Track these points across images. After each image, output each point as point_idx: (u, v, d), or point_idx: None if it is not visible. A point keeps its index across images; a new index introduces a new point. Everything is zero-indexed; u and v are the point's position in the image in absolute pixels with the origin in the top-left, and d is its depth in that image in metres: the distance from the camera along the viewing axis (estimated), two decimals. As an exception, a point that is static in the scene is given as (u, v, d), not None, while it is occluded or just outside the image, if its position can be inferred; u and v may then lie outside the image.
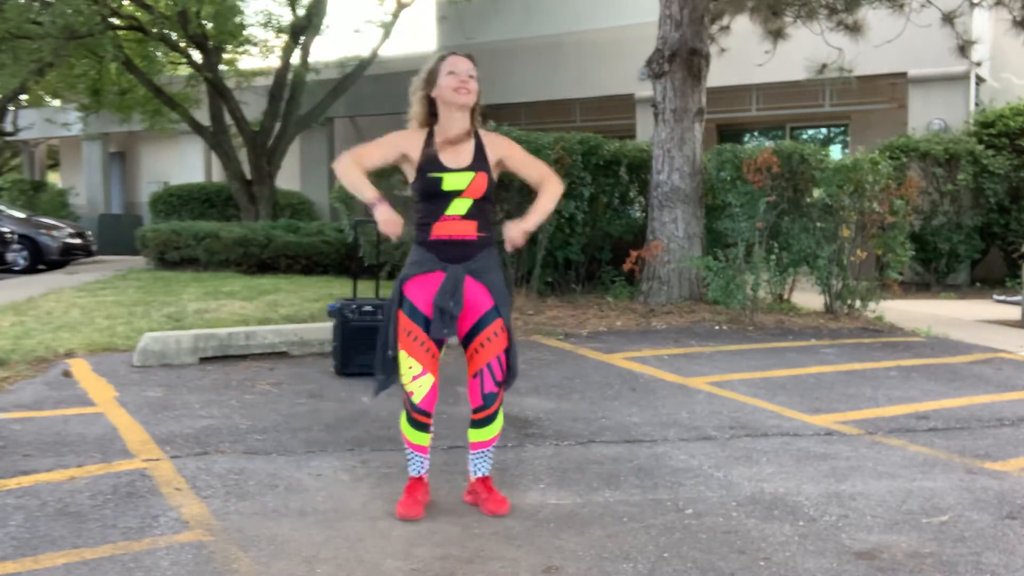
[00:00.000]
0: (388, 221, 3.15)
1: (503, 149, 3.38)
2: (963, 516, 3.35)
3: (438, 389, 3.31)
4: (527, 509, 3.39)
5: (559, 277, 9.54)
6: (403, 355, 3.26)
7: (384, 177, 9.94)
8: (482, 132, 3.38)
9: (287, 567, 2.85)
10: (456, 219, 3.25)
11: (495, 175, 3.36)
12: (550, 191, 3.40)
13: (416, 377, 3.24)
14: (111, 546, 2.99)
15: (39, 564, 2.84)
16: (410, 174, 3.32)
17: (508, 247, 3.33)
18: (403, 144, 3.32)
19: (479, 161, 3.29)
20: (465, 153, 3.29)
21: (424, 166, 3.26)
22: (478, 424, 3.37)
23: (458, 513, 3.35)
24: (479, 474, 3.43)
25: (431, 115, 3.34)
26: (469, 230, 3.26)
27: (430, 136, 3.32)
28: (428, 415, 3.30)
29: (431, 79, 3.32)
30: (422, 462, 3.38)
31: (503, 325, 3.30)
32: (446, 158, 3.27)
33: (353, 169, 3.28)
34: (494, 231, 3.40)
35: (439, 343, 3.29)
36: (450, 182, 3.24)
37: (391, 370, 3.35)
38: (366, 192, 3.21)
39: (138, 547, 2.98)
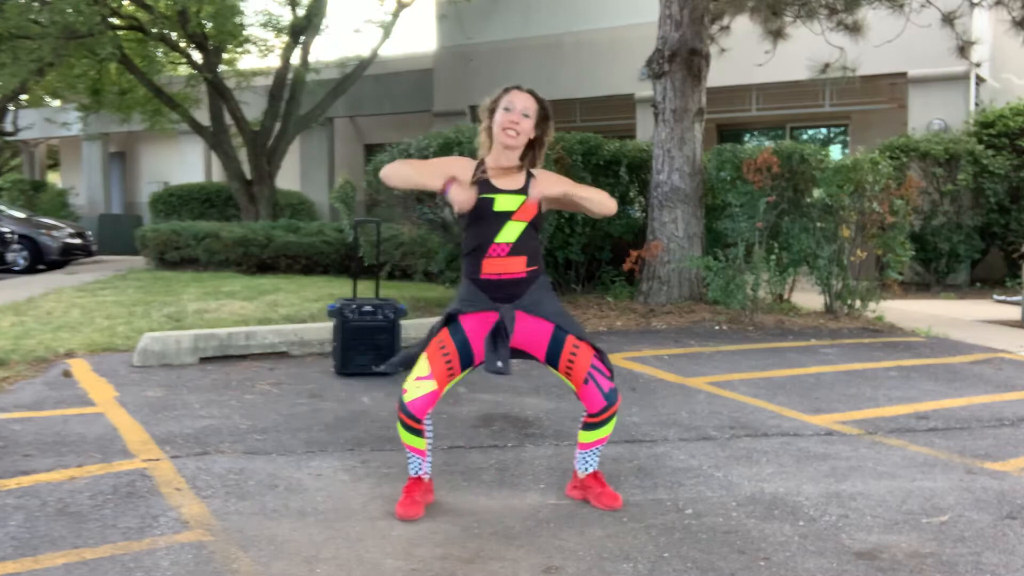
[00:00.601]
0: (460, 199, 3.16)
1: (549, 187, 3.30)
2: (963, 516, 3.35)
3: (435, 401, 3.26)
4: (527, 509, 3.39)
5: (559, 277, 9.54)
6: (422, 357, 3.25)
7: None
8: (534, 171, 3.36)
9: (287, 567, 2.85)
10: (504, 254, 3.22)
11: (544, 209, 3.34)
12: (600, 193, 3.38)
13: (420, 378, 3.22)
14: (111, 546, 2.99)
15: (39, 564, 2.84)
16: (464, 202, 3.24)
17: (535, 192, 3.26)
18: (455, 167, 3.30)
19: (528, 188, 3.29)
20: (516, 179, 3.30)
21: (476, 186, 3.24)
22: (596, 425, 3.33)
23: (458, 513, 3.35)
24: (590, 470, 3.45)
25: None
26: (518, 267, 3.25)
27: (481, 162, 3.32)
28: (418, 420, 3.23)
29: (492, 109, 3.32)
30: (420, 463, 3.36)
31: (577, 338, 3.28)
32: (497, 181, 3.27)
33: (405, 169, 3.28)
34: (543, 264, 3.39)
35: (464, 366, 3.26)
36: (501, 203, 3.23)
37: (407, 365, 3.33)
38: (434, 181, 3.22)
39: (138, 547, 2.98)
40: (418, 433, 3.28)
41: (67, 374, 5.68)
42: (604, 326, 7.69)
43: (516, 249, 3.24)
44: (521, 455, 4.10)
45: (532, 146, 3.36)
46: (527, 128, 3.30)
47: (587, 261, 9.62)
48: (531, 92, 3.35)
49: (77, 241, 16.64)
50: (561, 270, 9.54)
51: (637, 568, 2.86)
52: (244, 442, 4.25)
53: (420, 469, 3.37)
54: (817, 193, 8.19)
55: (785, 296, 8.86)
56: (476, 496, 3.54)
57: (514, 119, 3.26)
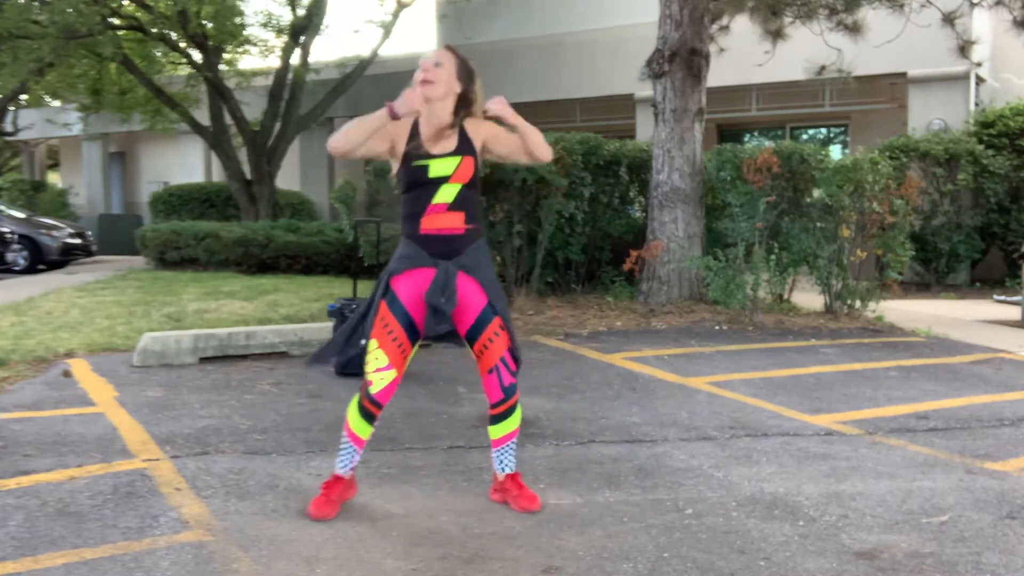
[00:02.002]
0: (406, 100, 3.12)
1: (484, 131, 3.36)
2: (963, 516, 3.35)
3: (397, 386, 3.26)
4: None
5: (559, 277, 9.54)
6: (372, 344, 3.23)
7: (384, 177, 9.95)
8: (466, 121, 3.34)
9: (287, 567, 2.85)
10: (442, 210, 3.23)
11: (481, 160, 3.34)
12: (537, 134, 3.35)
13: (380, 370, 3.21)
14: (111, 546, 2.99)
15: (39, 564, 2.84)
16: (395, 165, 3.31)
17: (489, 108, 3.25)
18: (392, 132, 3.28)
19: (464, 145, 3.29)
20: (449, 141, 3.29)
21: (409, 154, 3.26)
22: (499, 418, 3.35)
23: (458, 513, 3.35)
24: (507, 470, 3.42)
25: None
26: (456, 223, 3.25)
27: (415, 126, 3.31)
28: (380, 407, 3.25)
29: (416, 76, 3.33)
30: (353, 456, 3.32)
31: (501, 324, 3.29)
32: (430, 145, 3.26)
33: (348, 126, 3.20)
34: (482, 224, 3.38)
35: (412, 340, 3.25)
36: (436, 168, 3.23)
37: (353, 356, 3.31)
38: (373, 119, 3.16)
39: (138, 547, 2.98)
40: (372, 419, 3.28)
41: (67, 374, 5.68)
42: (604, 326, 7.69)
43: (454, 207, 3.25)
44: (521, 455, 4.09)
45: (462, 103, 3.32)
46: (443, 77, 3.27)
47: (587, 261, 9.62)
48: (447, 46, 3.37)
49: (77, 241, 16.63)
50: (561, 270, 9.53)
51: (637, 568, 2.86)
52: (244, 442, 4.25)
53: (350, 463, 3.34)
54: (817, 193, 8.19)
55: (785, 296, 8.86)
56: (476, 496, 3.54)
57: (425, 69, 3.26)
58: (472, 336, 3.29)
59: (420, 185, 3.24)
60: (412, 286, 3.23)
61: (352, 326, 3.37)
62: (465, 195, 3.27)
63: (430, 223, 3.24)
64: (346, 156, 3.26)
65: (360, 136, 3.19)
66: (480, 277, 3.28)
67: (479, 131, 3.35)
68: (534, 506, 3.35)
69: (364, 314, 3.34)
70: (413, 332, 3.25)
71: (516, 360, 3.34)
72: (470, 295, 3.26)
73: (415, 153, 3.25)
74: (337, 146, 3.21)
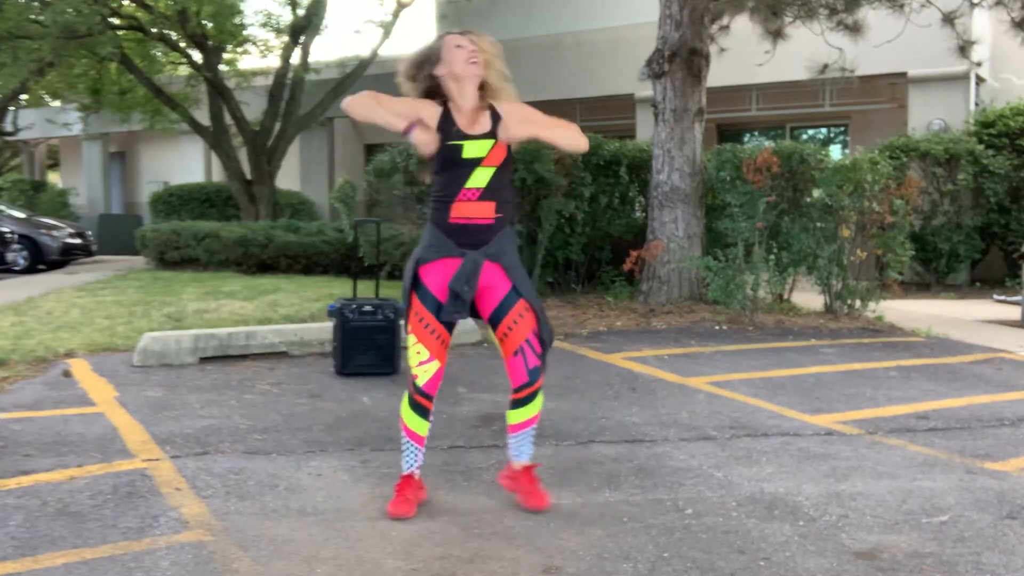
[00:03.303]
0: (423, 141, 3.15)
1: (520, 114, 3.33)
2: (963, 516, 3.35)
3: (442, 374, 3.31)
4: (527, 509, 3.39)
5: (559, 277, 9.54)
6: (412, 339, 3.27)
7: (384, 177, 9.96)
8: (499, 105, 3.34)
9: (287, 567, 2.85)
10: (474, 198, 3.22)
11: (514, 144, 3.32)
12: (569, 129, 3.36)
13: (423, 363, 3.25)
14: (111, 546, 2.99)
15: (39, 564, 2.84)
16: (426, 144, 3.25)
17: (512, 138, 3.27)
18: (423, 110, 3.27)
19: (498, 131, 3.27)
20: (483, 122, 3.27)
21: (444, 134, 3.23)
22: (521, 403, 3.32)
23: (458, 513, 3.35)
24: (523, 459, 3.40)
25: (430, 95, 3.31)
26: (487, 212, 3.24)
27: (447, 111, 3.29)
28: (430, 398, 3.29)
29: (432, 58, 3.29)
30: (416, 454, 3.35)
31: (527, 305, 3.28)
32: (465, 126, 3.25)
33: (371, 103, 3.22)
34: (512, 211, 3.38)
35: (449, 327, 3.28)
36: (470, 150, 3.22)
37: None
38: (396, 122, 3.18)
39: (138, 547, 2.98)
40: (426, 414, 3.31)
41: (67, 374, 5.68)
42: (604, 326, 7.69)
43: (486, 194, 3.24)
44: (521, 455, 4.09)
45: (482, 86, 3.32)
46: (484, 58, 3.28)
47: (587, 261, 9.62)
48: (473, 32, 3.36)
49: (77, 241, 16.63)
50: (561, 270, 9.54)
51: (637, 568, 2.86)
52: (244, 442, 4.25)
53: (415, 462, 3.35)
54: (817, 193, 8.18)
55: (785, 296, 8.86)
56: (476, 496, 3.54)
57: (471, 50, 3.25)
58: (496, 319, 3.28)
59: (454, 166, 3.22)
60: (440, 275, 3.24)
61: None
62: (498, 179, 3.26)
63: (460, 211, 3.23)
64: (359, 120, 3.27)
65: (371, 118, 3.23)
66: (505, 263, 3.28)
67: (513, 114, 3.33)
68: (543, 505, 3.35)
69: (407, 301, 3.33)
70: (448, 323, 3.28)
71: (543, 343, 3.31)
72: (494, 280, 3.27)
73: (451, 132, 3.23)
74: (354, 111, 3.23)
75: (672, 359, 6.40)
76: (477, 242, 3.24)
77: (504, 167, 3.28)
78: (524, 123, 3.32)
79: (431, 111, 3.28)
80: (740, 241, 7.84)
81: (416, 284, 3.28)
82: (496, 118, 3.30)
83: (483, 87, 3.32)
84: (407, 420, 3.33)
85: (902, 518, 3.32)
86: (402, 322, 5.94)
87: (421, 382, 3.26)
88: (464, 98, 3.28)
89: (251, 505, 3.40)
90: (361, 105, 3.23)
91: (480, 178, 3.23)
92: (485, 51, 3.28)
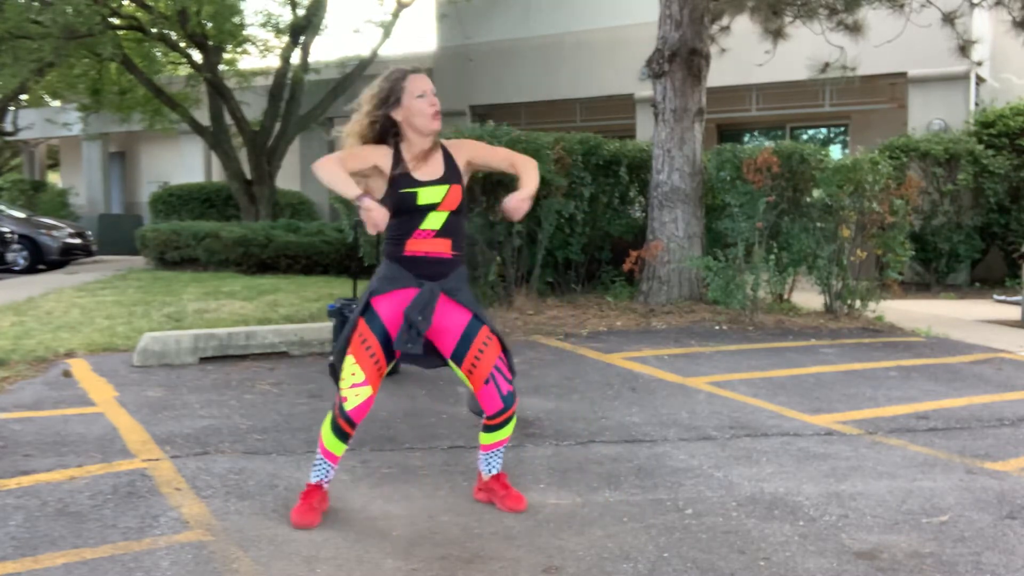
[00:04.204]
0: (372, 212, 3.01)
1: (467, 150, 3.35)
2: (963, 516, 3.35)
3: (372, 403, 3.21)
4: (527, 509, 3.39)
5: (559, 277, 9.53)
6: (349, 360, 3.17)
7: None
8: (446, 143, 3.33)
9: (287, 567, 2.85)
10: (430, 236, 3.19)
11: (466, 181, 3.31)
12: (528, 167, 3.34)
13: (355, 385, 3.15)
14: (111, 546, 2.99)
15: (39, 564, 2.84)
16: (380, 188, 3.20)
17: (514, 218, 3.25)
18: (376, 156, 3.22)
19: (451, 172, 3.25)
20: (436, 165, 3.24)
21: (397, 181, 3.18)
22: (496, 428, 3.30)
23: (458, 513, 3.35)
24: (494, 472, 3.41)
25: (383, 134, 3.25)
26: (444, 248, 3.21)
27: (397, 151, 3.24)
28: (353, 426, 3.19)
29: (392, 99, 3.22)
30: (329, 471, 3.29)
31: (489, 332, 3.25)
32: (418, 172, 3.21)
33: (337, 168, 3.12)
34: (465, 248, 3.34)
35: (389, 358, 3.20)
36: (425, 196, 3.18)
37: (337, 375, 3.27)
38: (348, 189, 3.07)
39: (138, 547, 2.98)
40: (345, 438, 3.22)
41: (67, 374, 5.68)
42: (604, 326, 7.69)
43: (442, 233, 3.22)
44: (521, 455, 4.10)
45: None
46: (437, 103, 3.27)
47: (587, 261, 9.62)
48: (421, 71, 3.33)
49: (77, 241, 16.63)
50: (561, 270, 9.53)
51: (637, 568, 2.86)
52: (244, 442, 4.25)
53: (327, 476, 3.29)
54: (817, 193, 8.18)
55: (785, 296, 8.86)
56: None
57: (434, 102, 3.23)
58: (460, 353, 3.22)
59: (409, 211, 3.19)
60: (393, 305, 3.18)
61: (338, 348, 3.30)
62: (453, 222, 3.23)
63: (416, 246, 3.20)
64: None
65: (330, 187, 3.14)
66: (461, 299, 3.24)
67: (461, 151, 3.33)
68: (520, 506, 3.35)
69: (348, 334, 3.25)
70: (389, 350, 3.19)
71: (510, 367, 3.28)
72: (452, 314, 3.21)
73: (404, 180, 3.18)
74: (319, 177, 3.13)
75: (672, 359, 6.40)
76: (434, 274, 3.19)
77: (459, 211, 3.25)
78: (469, 161, 3.32)
79: (384, 153, 3.23)
80: (740, 241, 7.84)
81: (366, 310, 3.20)
82: (449, 159, 3.27)
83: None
84: (325, 440, 3.24)
85: (902, 518, 3.32)
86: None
87: (349, 407, 3.15)
88: (419, 143, 3.25)
89: (251, 505, 3.40)
90: (323, 170, 3.11)
91: (435, 221, 3.20)
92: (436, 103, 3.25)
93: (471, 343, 3.21)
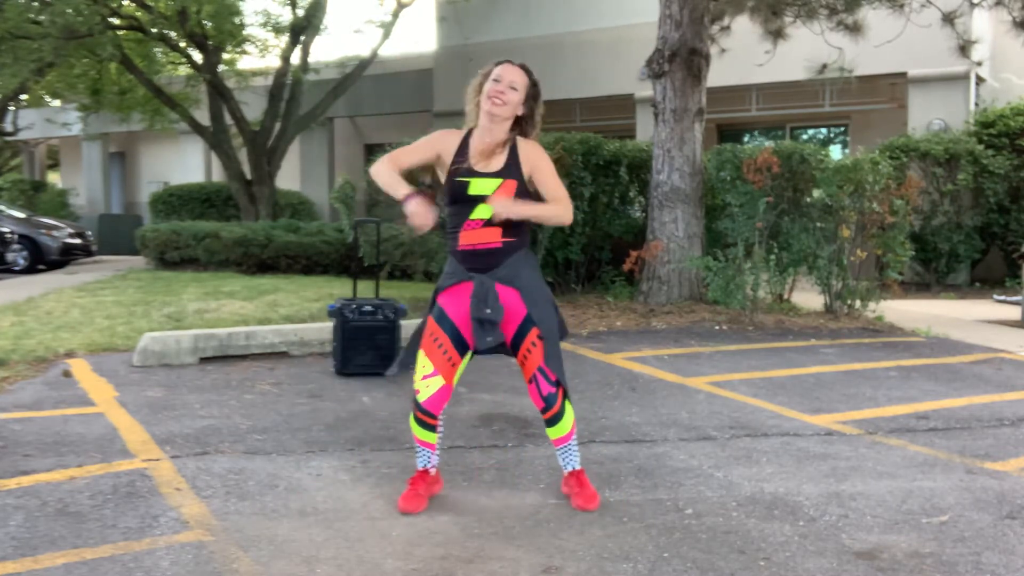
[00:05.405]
0: (416, 213, 3.16)
1: (534, 162, 3.34)
2: (963, 516, 3.35)
3: (449, 394, 3.32)
4: (527, 509, 3.39)
5: (559, 277, 9.54)
6: (421, 354, 3.30)
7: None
8: (520, 140, 3.35)
9: (287, 567, 2.85)
10: (478, 226, 3.25)
11: (529, 186, 3.34)
12: (557, 208, 3.35)
13: (426, 376, 3.27)
14: (111, 546, 2.99)
15: (39, 564, 2.84)
16: (442, 175, 3.35)
17: (495, 210, 3.25)
18: (439, 144, 3.35)
19: (511, 168, 3.29)
20: (497, 160, 3.30)
21: (456, 170, 3.29)
22: (550, 423, 3.40)
23: (458, 513, 3.35)
24: (569, 468, 3.47)
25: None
26: (493, 237, 3.27)
27: (466, 139, 3.34)
28: (433, 416, 3.32)
29: (481, 84, 3.34)
30: (429, 457, 3.43)
31: (539, 334, 3.30)
32: (476, 162, 3.28)
33: (387, 169, 3.30)
34: (526, 235, 3.39)
35: (462, 352, 3.30)
36: (476, 187, 3.25)
37: (409, 363, 3.37)
38: (398, 189, 3.23)
39: (138, 547, 2.98)
40: (431, 428, 3.36)
41: (67, 374, 5.68)
42: (604, 326, 7.69)
43: (491, 223, 3.26)
44: (521, 455, 4.10)
45: (519, 123, 3.36)
46: (513, 100, 3.30)
47: (587, 261, 9.62)
48: (523, 67, 3.37)
49: (77, 241, 16.63)
50: (561, 270, 9.54)
51: (637, 568, 2.86)
52: (244, 442, 4.25)
53: (429, 462, 3.43)
54: (817, 193, 8.18)
55: (785, 296, 8.86)
56: (476, 496, 3.54)
57: (500, 89, 3.27)
58: (515, 346, 3.33)
59: (460, 200, 3.28)
60: (457, 300, 3.29)
61: (411, 347, 3.43)
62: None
63: (467, 239, 3.29)
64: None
65: (384, 189, 3.31)
66: (520, 285, 3.30)
67: (529, 157, 3.34)
68: (591, 505, 3.38)
69: (419, 334, 3.39)
70: (461, 344, 3.29)
71: (555, 370, 3.32)
72: (510, 306, 3.29)
73: (460, 169, 3.28)
74: (373, 174, 3.34)
75: (672, 359, 6.40)
76: (484, 266, 3.28)
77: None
78: (531, 172, 3.33)
79: (449, 142, 3.34)
80: (740, 241, 7.84)
81: (433, 307, 3.35)
82: (514, 156, 3.31)
83: (519, 123, 3.36)
84: (416, 432, 3.39)
85: (902, 518, 3.32)
86: (402, 322, 5.97)
87: (422, 398, 3.27)
88: (486, 130, 3.32)
89: (251, 505, 3.40)
90: (378, 172, 3.31)
91: (484, 211, 3.25)
92: (511, 101, 3.29)
93: (522, 342, 3.31)
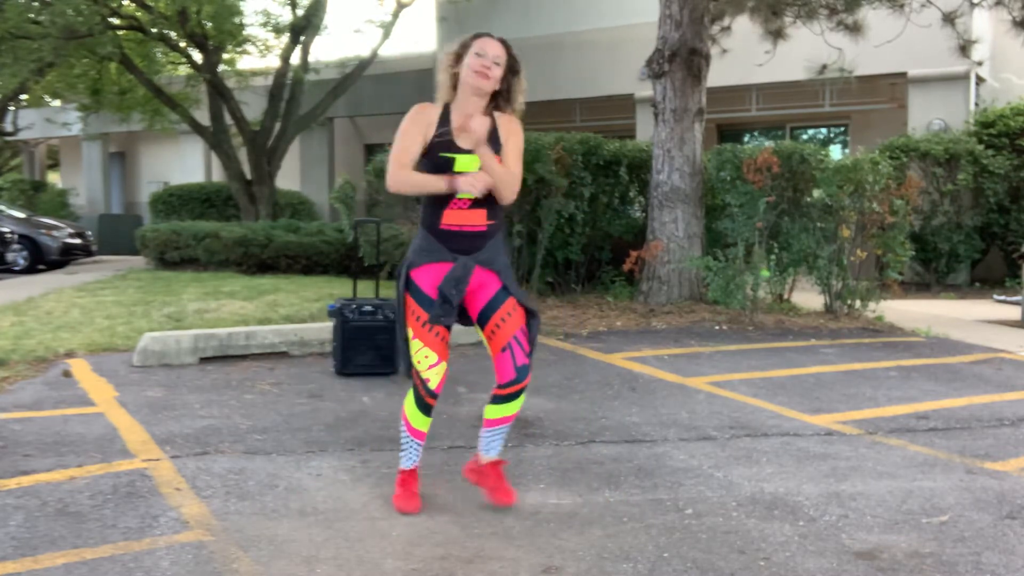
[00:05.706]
0: (474, 183, 3.14)
1: (508, 135, 3.33)
2: (963, 516, 3.35)
3: (448, 372, 3.34)
4: (527, 509, 3.39)
5: (559, 277, 9.54)
6: (416, 343, 3.25)
7: (382, 176, 9.97)
8: (499, 116, 3.33)
9: (287, 567, 2.85)
10: (465, 206, 3.23)
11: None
12: (509, 176, 3.28)
13: (432, 366, 3.25)
14: (111, 546, 2.99)
15: (39, 564, 2.84)
16: (475, 183, 3.24)
17: (464, 188, 3.23)
18: (423, 121, 3.28)
19: (492, 143, 3.26)
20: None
21: (436, 145, 3.24)
22: (504, 399, 3.31)
23: (458, 513, 3.35)
24: (492, 455, 3.41)
25: (454, 90, 3.32)
26: (479, 219, 3.26)
27: (445, 114, 3.29)
28: (436, 398, 3.32)
29: (459, 54, 3.30)
30: (418, 450, 3.40)
31: (516, 303, 3.29)
32: (459, 139, 3.25)
33: (405, 175, 3.24)
34: (503, 218, 3.39)
35: (447, 327, 3.28)
36: (462, 163, 3.23)
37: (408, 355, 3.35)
38: (434, 182, 3.21)
39: (138, 547, 2.98)
40: (428, 411, 3.32)
41: (67, 374, 5.68)
42: (604, 326, 7.69)
43: (477, 203, 3.24)
44: (521, 455, 4.10)
45: (494, 97, 3.32)
46: (497, 76, 3.27)
47: (587, 261, 9.62)
48: (502, 41, 3.33)
49: (77, 241, 16.63)
50: (561, 270, 9.54)
51: (637, 568, 2.86)
52: (244, 442, 4.25)
53: (415, 458, 3.39)
54: (817, 193, 8.18)
55: (785, 296, 8.86)
56: (476, 496, 3.53)
57: (487, 64, 3.24)
58: (484, 316, 3.29)
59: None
60: (432, 277, 3.24)
61: (400, 334, 3.39)
62: (489, 192, 3.26)
63: (452, 218, 3.24)
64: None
65: (421, 192, 3.27)
66: (496, 268, 3.30)
67: (509, 130, 3.33)
68: (509, 500, 3.36)
69: (401, 318, 3.35)
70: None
71: (531, 342, 3.31)
72: (484, 280, 3.28)
73: (443, 142, 3.24)
74: (400, 191, 3.29)
75: (672, 359, 6.40)
76: (469, 248, 3.25)
77: None
78: (511, 143, 3.31)
79: (428, 119, 3.28)
80: (740, 241, 7.84)
81: (409, 285, 3.28)
82: (494, 132, 3.28)
83: (496, 96, 3.32)
84: (411, 418, 3.34)
85: (902, 518, 3.32)
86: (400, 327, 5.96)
87: (433, 384, 3.27)
88: (465, 105, 3.29)
89: (251, 505, 3.40)
90: (406, 185, 3.25)
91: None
92: (501, 65, 3.26)
93: (496, 310, 3.28)
